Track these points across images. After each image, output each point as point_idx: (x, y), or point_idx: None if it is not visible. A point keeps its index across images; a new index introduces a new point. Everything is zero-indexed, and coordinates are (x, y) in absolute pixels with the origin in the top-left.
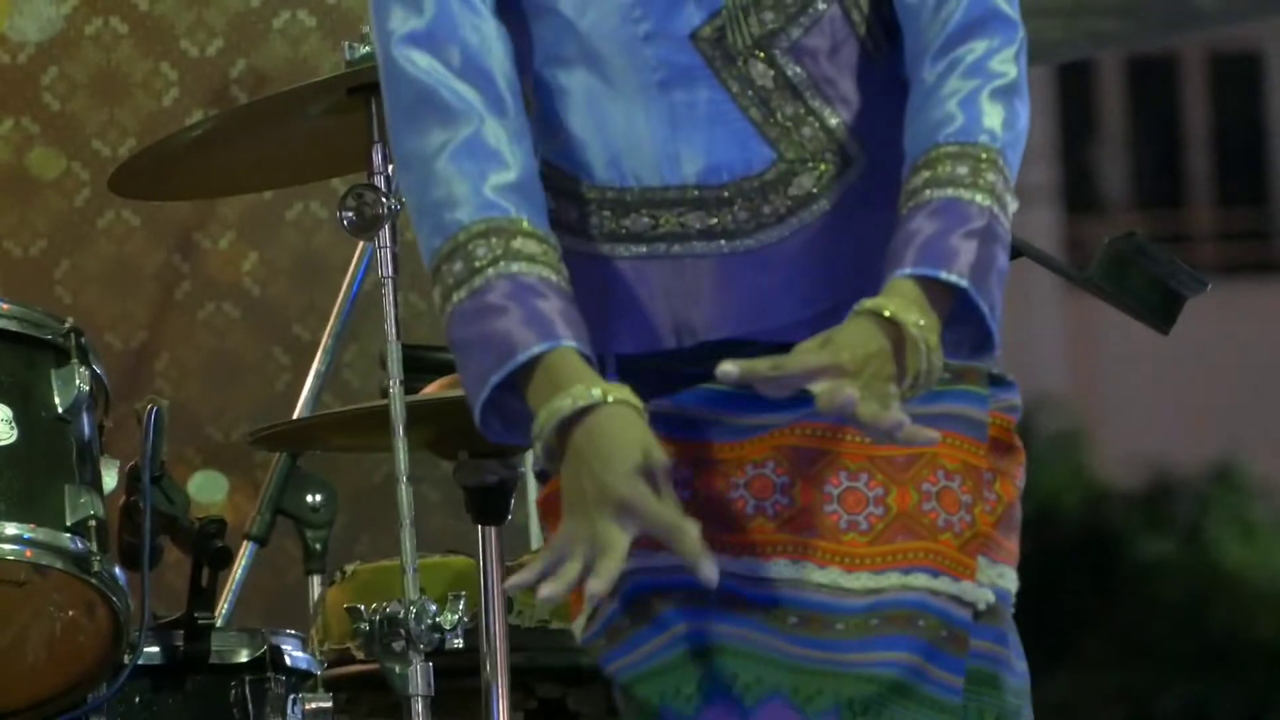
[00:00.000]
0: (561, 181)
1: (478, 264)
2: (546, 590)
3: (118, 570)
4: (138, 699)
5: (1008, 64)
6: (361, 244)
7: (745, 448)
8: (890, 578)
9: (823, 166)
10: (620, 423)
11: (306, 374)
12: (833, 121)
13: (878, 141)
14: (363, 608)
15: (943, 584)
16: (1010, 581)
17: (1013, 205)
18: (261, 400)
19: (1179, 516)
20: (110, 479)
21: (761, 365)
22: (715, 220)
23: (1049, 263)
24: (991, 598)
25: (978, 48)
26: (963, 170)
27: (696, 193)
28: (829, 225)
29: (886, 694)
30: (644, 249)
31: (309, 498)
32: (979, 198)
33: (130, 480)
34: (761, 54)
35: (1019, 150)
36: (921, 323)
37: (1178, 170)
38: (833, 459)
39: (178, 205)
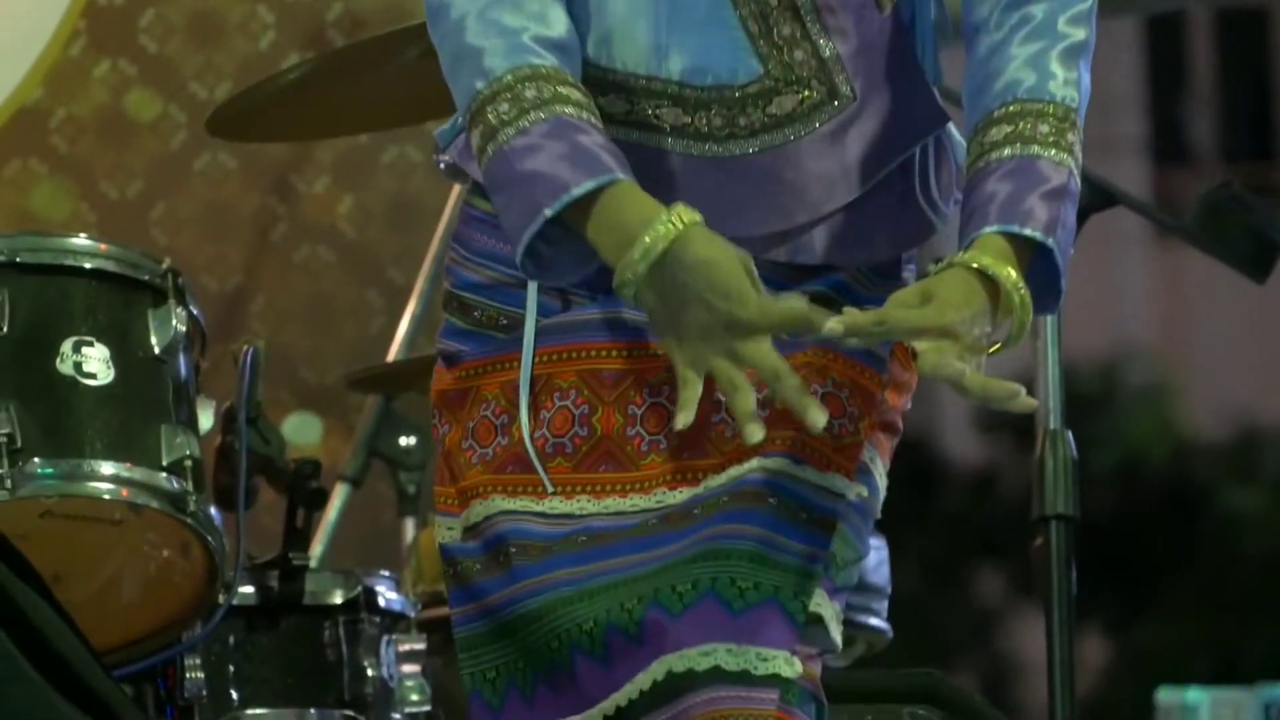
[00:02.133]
0: None
1: (526, 105)
2: (757, 433)
3: (213, 510)
4: (232, 639)
5: (1079, 25)
6: (457, 187)
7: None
8: (751, 463)
9: (806, 92)
10: (711, 245)
11: (401, 317)
12: (826, 50)
13: (868, 81)
14: None
15: (806, 472)
16: (879, 471)
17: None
18: (356, 343)
19: (1266, 469)
20: (206, 419)
21: (865, 319)
22: (689, 120)
23: (1146, 211)
24: (865, 491)
25: (1049, 6)
26: (1044, 128)
27: (677, 89)
28: (801, 151)
29: (714, 562)
30: (615, 131)
31: (403, 440)
32: (1061, 156)
33: (226, 421)
34: None
35: (1084, 111)
36: (1016, 279)
37: (1268, 123)
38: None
39: (274, 148)
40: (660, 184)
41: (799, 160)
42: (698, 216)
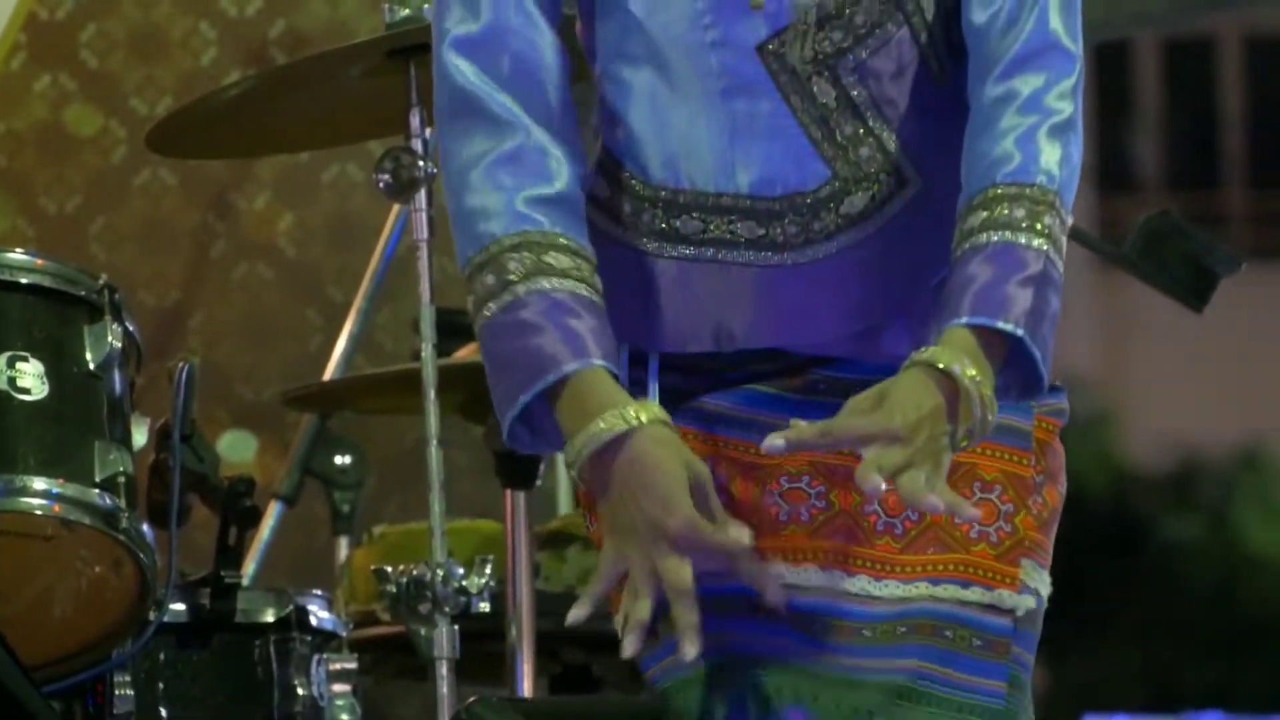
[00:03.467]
0: (619, 174)
1: (510, 278)
2: (629, 647)
3: (146, 527)
4: (162, 656)
5: (1065, 100)
6: (397, 207)
7: (784, 459)
8: (919, 587)
9: (876, 187)
10: (659, 447)
11: (339, 335)
12: (891, 144)
13: (934, 164)
14: (389, 570)
15: (973, 594)
16: (1045, 585)
17: (1062, 249)
18: (293, 361)
19: (1206, 499)
20: (140, 436)
21: (810, 431)
22: (764, 232)
23: (1085, 240)
24: (1032, 604)
25: (1036, 81)
26: (1020, 213)
27: (749, 203)
28: (877, 244)
29: (895, 701)
30: (691, 251)
31: (338, 459)
32: (1036, 242)
33: (160, 438)
34: (826, 72)
35: (1074, 188)
36: (976, 376)
37: (1213, 152)
38: None
39: (214, 164)
40: (742, 298)
41: (879, 255)
42: (661, 415)
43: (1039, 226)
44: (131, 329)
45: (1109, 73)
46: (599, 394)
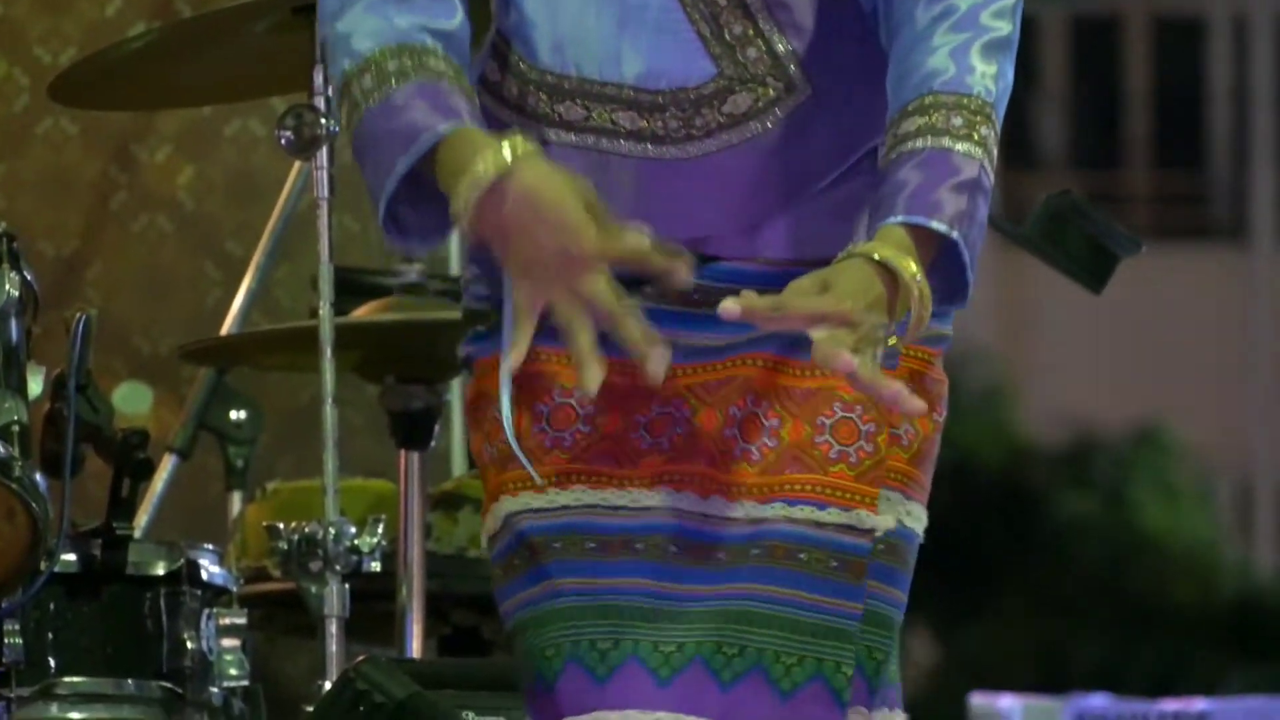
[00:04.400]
0: (508, 55)
1: (390, 77)
2: (590, 378)
3: (39, 477)
4: (52, 606)
5: (1003, 19)
6: (298, 164)
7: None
8: (775, 508)
9: (762, 89)
10: (544, 177)
11: (237, 291)
12: (780, 47)
13: (824, 74)
14: (281, 526)
15: (830, 515)
16: (918, 520)
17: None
18: (191, 315)
19: (1100, 477)
20: (36, 385)
21: (761, 304)
22: (645, 123)
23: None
24: (892, 523)
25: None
26: (958, 121)
27: (632, 93)
28: (759, 148)
29: (739, 626)
30: (573, 137)
31: (233, 414)
32: (973, 150)
33: (55, 388)
34: None
35: (1003, 107)
36: (916, 272)
37: (1116, 132)
38: (744, 383)
39: (116, 116)
40: (620, 189)
41: (760, 156)
42: (533, 148)
43: (975, 136)
44: (29, 278)
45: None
46: (475, 144)
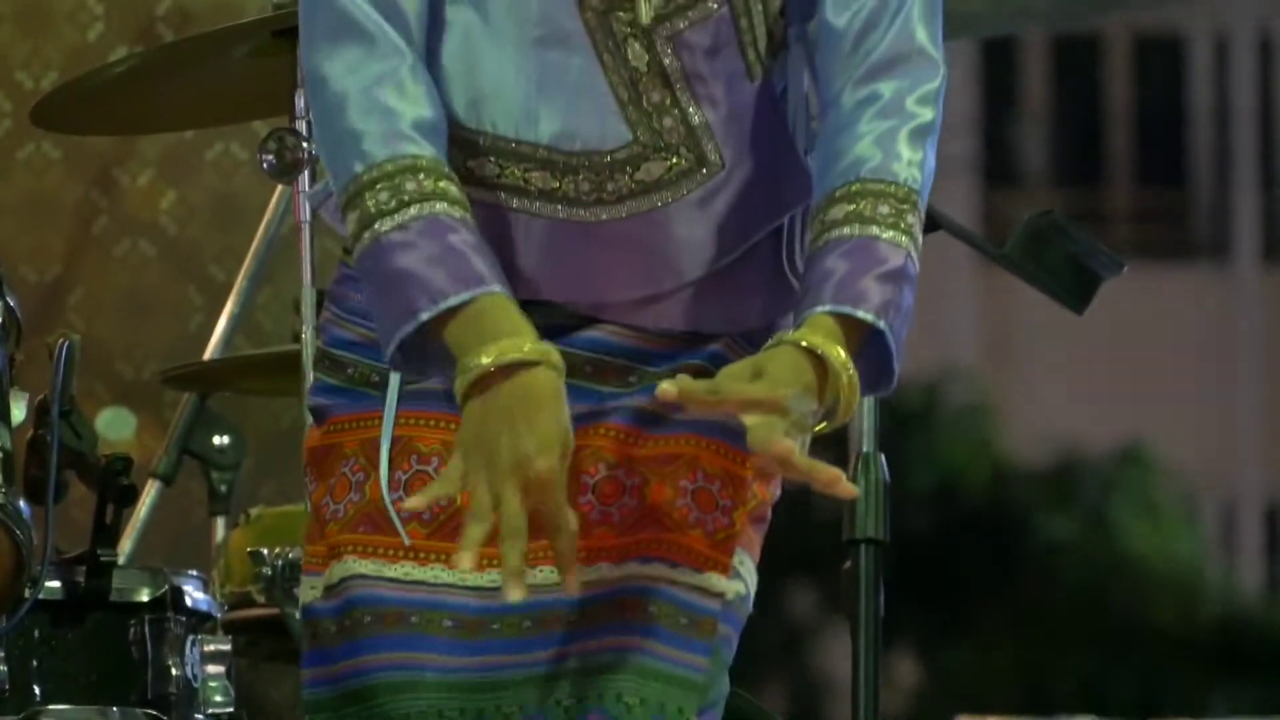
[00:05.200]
0: None
1: (406, 198)
2: (466, 560)
3: (22, 503)
4: (36, 633)
5: (926, 105)
6: (280, 187)
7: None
8: (629, 566)
9: (675, 159)
10: (555, 392)
11: (220, 315)
12: (695, 118)
13: (738, 150)
14: (265, 551)
15: (682, 574)
16: (750, 573)
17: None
18: (174, 339)
19: (1084, 497)
20: (19, 411)
21: (697, 388)
22: (557, 185)
23: (966, 237)
24: (743, 589)
25: (899, 85)
26: (884, 209)
27: (546, 153)
28: (668, 217)
29: (602, 676)
30: (482, 194)
31: (216, 439)
32: (898, 238)
33: (39, 413)
34: (642, 36)
35: (928, 191)
36: (845, 360)
37: (1098, 150)
38: (596, 451)
39: (98, 140)
40: (527, 248)
41: (667, 227)
42: (558, 359)
43: (901, 224)
44: (11, 303)
45: (997, 69)
46: (508, 318)
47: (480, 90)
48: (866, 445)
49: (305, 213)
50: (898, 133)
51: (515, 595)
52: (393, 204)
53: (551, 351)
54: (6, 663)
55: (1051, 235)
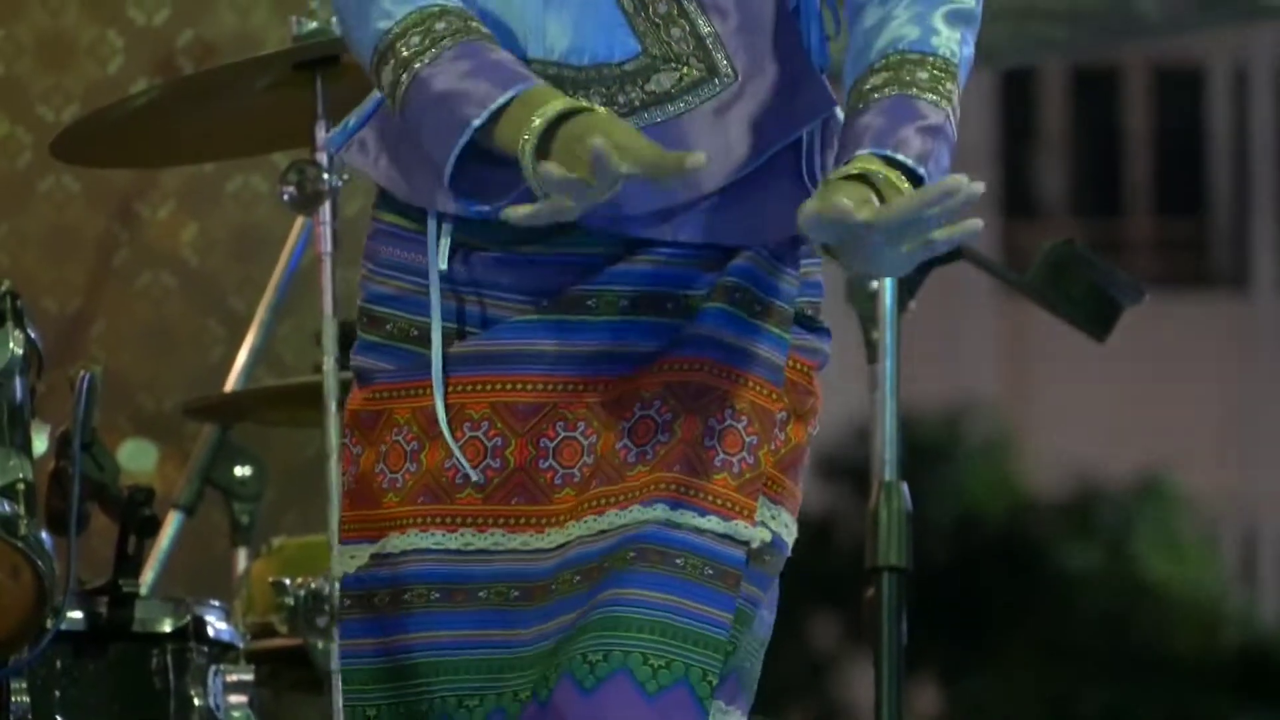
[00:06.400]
0: None
1: (438, 35)
2: (692, 160)
3: (45, 535)
4: (59, 664)
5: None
6: (301, 219)
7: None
8: (656, 509)
9: (685, 69)
10: (615, 118)
11: (241, 346)
12: (704, 29)
13: (751, 62)
14: (287, 582)
15: (710, 523)
16: (785, 526)
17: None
18: (195, 371)
19: (1104, 527)
20: (41, 443)
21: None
22: (572, 97)
23: (988, 266)
24: (768, 536)
25: None
26: (923, 76)
27: (557, 69)
28: (682, 128)
29: (624, 633)
30: None
31: (238, 470)
32: (939, 100)
33: (61, 445)
34: None
35: (966, 76)
36: (886, 174)
37: (1117, 180)
38: (631, 393)
39: (119, 173)
40: None
41: (681, 137)
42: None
43: (941, 89)
44: (33, 336)
45: (1016, 99)
46: (554, 93)
47: (491, 11)
48: (889, 474)
49: (326, 244)
50: (934, 12)
51: (699, 158)
52: (426, 42)
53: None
54: (29, 693)
55: (1073, 264)
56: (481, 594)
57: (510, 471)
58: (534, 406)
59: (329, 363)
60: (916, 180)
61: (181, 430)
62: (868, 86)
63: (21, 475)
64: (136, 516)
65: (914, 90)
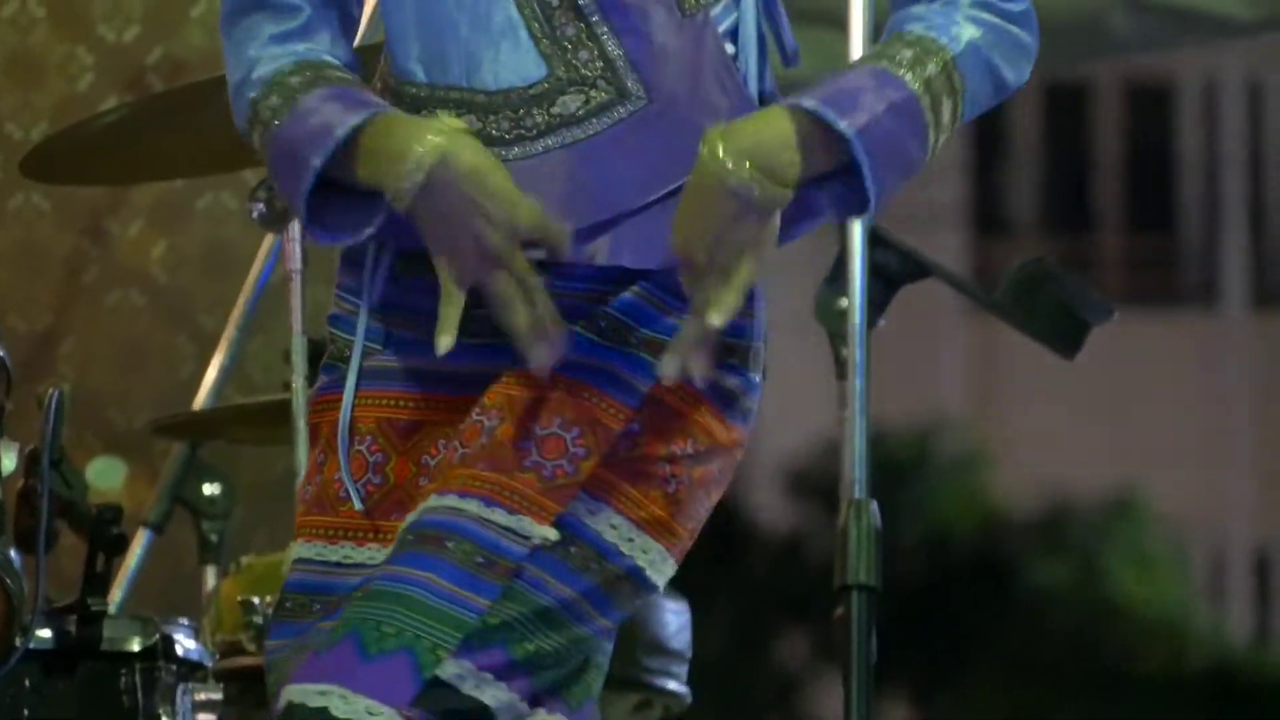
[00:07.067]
0: (386, 72)
1: (293, 89)
2: (539, 357)
3: (13, 553)
4: (27, 682)
5: (984, 9)
6: (270, 236)
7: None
8: (448, 499)
9: (593, 92)
10: (480, 154)
11: (210, 364)
12: (614, 51)
13: (671, 84)
14: (256, 600)
15: (495, 514)
16: (654, 564)
17: (945, 125)
18: (164, 389)
19: (1075, 545)
20: (9, 461)
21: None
22: (482, 125)
23: (956, 283)
24: (553, 535)
25: None
26: (906, 54)
27: (469, 95)
28: (588, 150)
29: (372, 604)
30: None
31: (207, 488)
32: (908, 78)
33: (29, 463)
34: None
35: (977, 78)
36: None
37: (1087, 196)
38: (480, 403)
39: (88, 190)
40: None
41: (589, 160)
42: (463, 125)
43: (918, 70)
44: (2, 353)
45: (987, 115)
46: (405, 125)
47: (419, 41)
48: (858, 492)
49: (296, 261)
50: (955, 10)
51: (543, 359)
52: (281, 100)
53: (451, 120)
54: None
55: (1042, 282)
56: (316, 607)
57: (390, 488)
58: (413, 424)
59: (298, 380)
60: (844, 145)
61: (150, 448)
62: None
63: None
64: (105, 534)
65: (885, 63)
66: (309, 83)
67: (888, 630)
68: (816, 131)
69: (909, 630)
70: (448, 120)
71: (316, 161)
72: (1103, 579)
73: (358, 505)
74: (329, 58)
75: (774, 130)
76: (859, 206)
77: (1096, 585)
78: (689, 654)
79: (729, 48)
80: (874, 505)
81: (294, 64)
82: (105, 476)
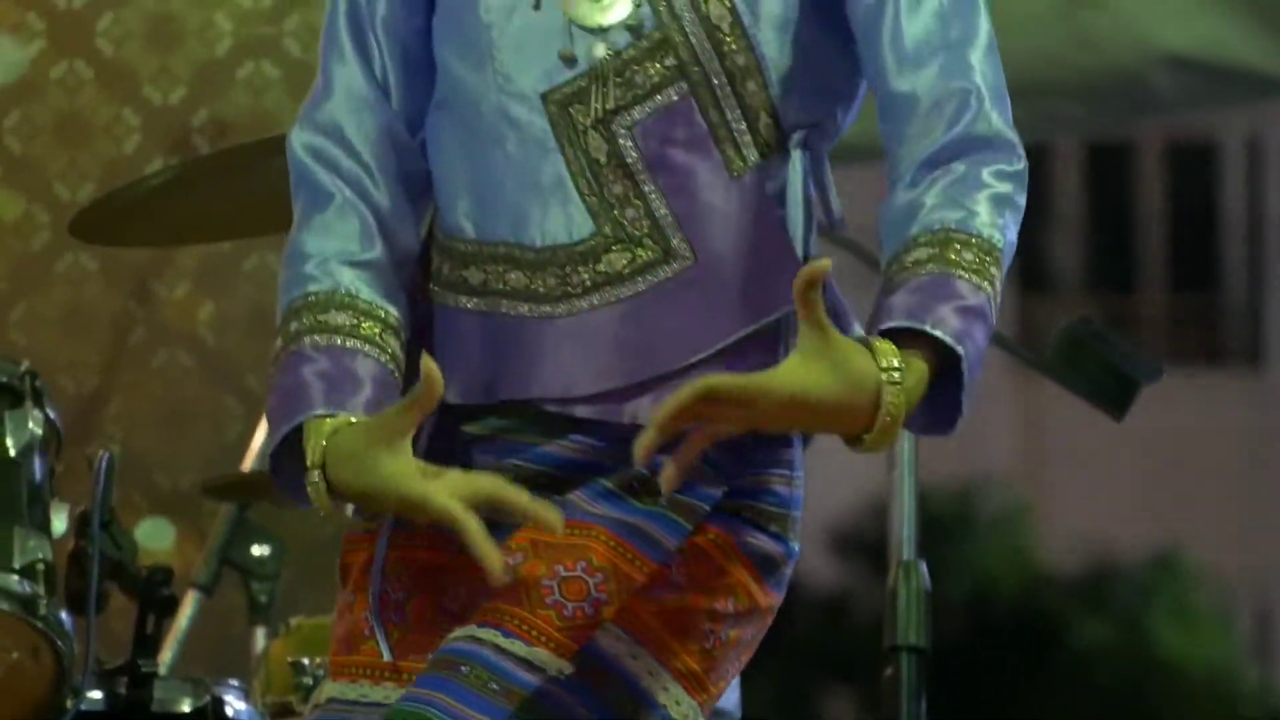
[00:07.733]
0: (434, 229)
1: (291, 338)
2: (497, 565)
3: (64, 614)
4: None
5: (1005, 180)
6: None
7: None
8: (468, 629)
9: (639, 250)
10: (353, 440)
11: (258, 425)
12: (661, 210)
13: (718, 245)
14: (306, 661)
15: (513, 645)
16: (676, 702)
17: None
18: (212, 450)
19: (1119, 603)
20: (60, 523)
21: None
22: (529, 282)
23: (1005, 344)
24: (569, 669)
25: (973, 159)
26: (969, 256)
27: (517, 251)
28: (634, 308)
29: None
30: (475, 303)
31: (255, 549)
32: (982, 284)
33: (79, 525)
34: (602, 127)
35: (1007, 262)
36: (892, 364)
37: (1131, 255)
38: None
39: (135, 252)
40: (517, 351)
41: (633, 319)
42: (328, 425)
43: (985, 273)
44: (52, 415)
45: (1031, 175)
46: (311, 434)
47: (465, 198)
48: (907, 553)
49: None
50: (978, 194)
51: (500, 576)
52: (284, 342)
53: (324, 424)
54: None
55: (1089, 342)
56: None
57: (408, 627)
58: (435, 566)
59: None
60: (954, 359)
61: (199, 509)
62: (908, 260)
63: (41, 555)
64: (155, 596)
65: (957, 270)
66: (293, 335)
67: (933, 690)
68: (934, 360)
69: (955, 690)
70: (323, 424)
71: (280, 432)
72: (1148, 637)
73: (387, 656)
74: (336, 285)
75: (920, 373)
76: (948, 424)
77: (1142, 643)
78: (738, 714)
79: (776, 210)
80: (923, 566)
81: (300, 301)
82: (154, 538)
